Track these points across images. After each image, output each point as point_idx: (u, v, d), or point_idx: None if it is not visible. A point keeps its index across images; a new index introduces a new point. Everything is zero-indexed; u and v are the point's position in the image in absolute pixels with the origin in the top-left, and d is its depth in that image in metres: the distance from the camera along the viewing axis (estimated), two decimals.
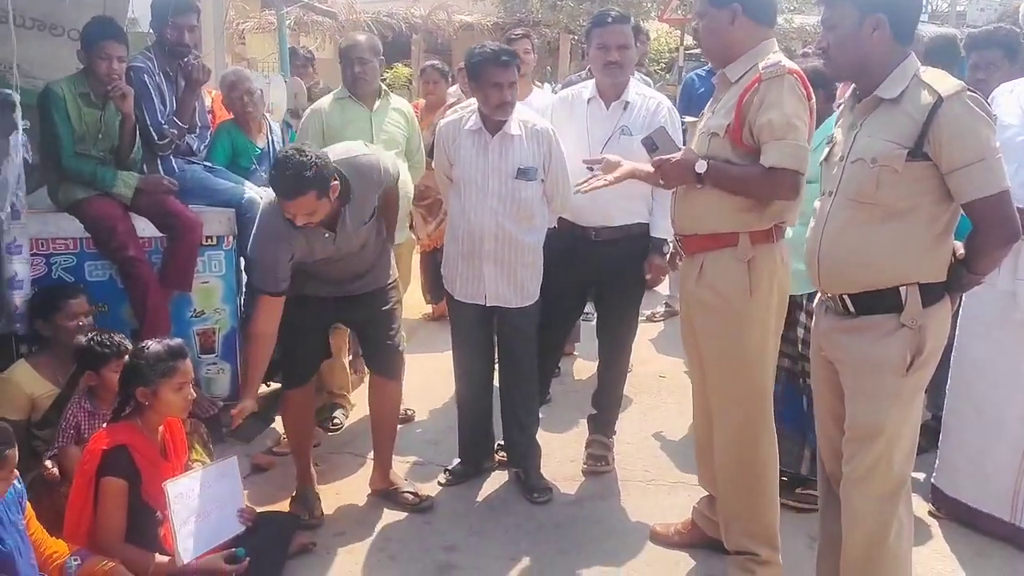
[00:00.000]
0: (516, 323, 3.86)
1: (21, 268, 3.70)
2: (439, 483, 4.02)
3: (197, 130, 4.45)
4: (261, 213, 3.46)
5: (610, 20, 3.78)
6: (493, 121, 3.69)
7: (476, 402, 4.05)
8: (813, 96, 2.95)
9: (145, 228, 4.04)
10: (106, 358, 3.40)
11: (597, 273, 3.95)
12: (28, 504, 2.73)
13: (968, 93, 2.37)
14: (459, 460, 4.11)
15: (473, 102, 3.84)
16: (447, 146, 3.80)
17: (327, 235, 3.43)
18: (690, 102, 5.54)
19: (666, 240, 3.79)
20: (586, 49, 5.21)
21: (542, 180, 3.73)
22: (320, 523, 3.69)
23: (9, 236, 3.66)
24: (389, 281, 3.81)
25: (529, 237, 3.76)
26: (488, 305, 3.83)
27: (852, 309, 2.56)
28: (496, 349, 4.02)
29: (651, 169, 3.14)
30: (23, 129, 3.67)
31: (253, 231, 3.48)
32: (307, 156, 3.16)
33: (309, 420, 3.96)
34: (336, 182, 3.27)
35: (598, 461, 4.12)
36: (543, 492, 3.91)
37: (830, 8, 2.55)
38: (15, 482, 2.63)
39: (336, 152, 3.45)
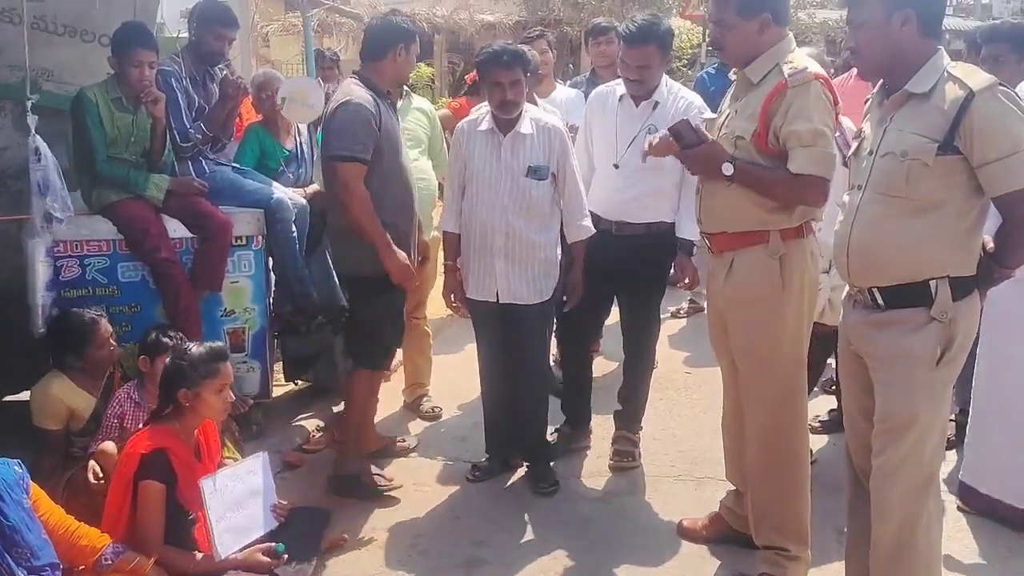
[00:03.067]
0: (529, 319, 3.88)
1: (52, 271, 3.85)
2: (467, 479, 4.06)
3: (224, 144, 4.52)
4: (350, 100, 3.61)
5: (633, 39, 3.72)
6: (504, 120, 3.75)
7: (501, 398, 4.08)
8: (839, 100, 2.96)
9: (176, 229, 4.10)
10: (164, 348, 3.47)
11: (618, 269, 3.96)
12: (35, 486, 2.76)
13: (1000, 87, 2.37)
14: (486, 456, 4.14)
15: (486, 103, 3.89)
16: (462, 147, 3.85)
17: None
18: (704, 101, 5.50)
19: (693, 242, 3.81)
20: (588, 46, 5.21)
21: (554, 175, 3.77)
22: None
23: (48, 240, 3.77)
24: None
25: (540, 236, 3.80)
26: (501, 302, 3.85)
27: (881, 302, 2.56)
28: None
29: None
30: (35, 131, 3.73)
31: (339, 112, 3.63)
32: None
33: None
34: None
35: (625, 457, 4.14)
36: (549, 483, 3.95)
37: (856, 8, 2.55)
38: (15, 467, 2.69)
39: None
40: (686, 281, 4.01)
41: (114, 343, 3.66)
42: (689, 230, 3.77)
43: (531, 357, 3.96)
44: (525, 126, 3.76)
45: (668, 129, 3.12)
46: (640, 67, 3.76)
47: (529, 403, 4.01)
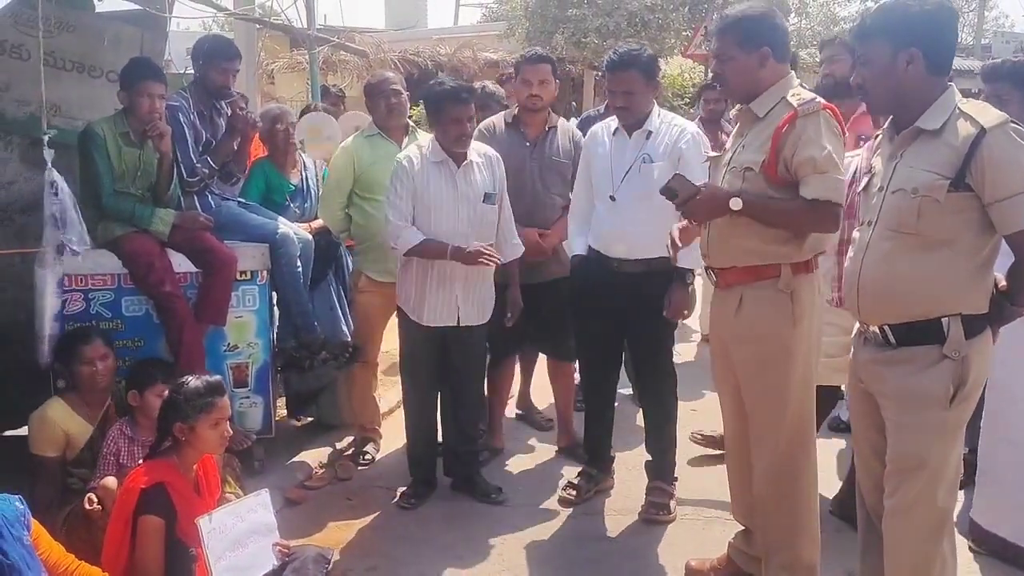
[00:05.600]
0: (471, 341, 4.10)
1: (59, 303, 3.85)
2: (401, 507, 4.13)
3: (238, 177, 4.55)
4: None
5: (614, 65, 3.79)
6: (456, 152, 3.91)
7: (430, 421, 4.27)
8: (846, 130, 2.97)
9: (181, 263, 4.09)
10: (152, 379, 3.47)
11: (623, 307, 3.90)
12: (36, 523, 2.72)
13: (1011, 125, 2.37)
14: (412, 483, 4.23)
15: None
16: (412, 178, 3.90)
17: None
18: None
19: (691, 271, 3.76)
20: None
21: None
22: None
23: (59, 273, 3.76)
24: None
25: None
26: (461, 325, 4.02)
27: (893, 340, 2.54)
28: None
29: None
30: (51, 165, 3.76)
31: None
32: None
33: None
34: None
35: (660, 510, 3.98)
36: (498, 492, 4.16)
37: (863, 45, 2.57)
38: (16, 503, 2.65)
39: None
40: (666, 313, 3.81)
41: (101, 365, 3.62)
42: (688, 258, 3.67)
43: (475, 376, 4.23)
44: (473, 156, 3.97)
45: (660, 191, 3.09)
46: (624, 93, 3.78)
47: (471, 422, 4.22)
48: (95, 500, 3.24)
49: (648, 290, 3.80)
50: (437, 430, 4.32)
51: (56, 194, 3.71)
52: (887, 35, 2.48)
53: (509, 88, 5.25)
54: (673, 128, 3.85)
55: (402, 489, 4.21)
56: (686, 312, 3.90)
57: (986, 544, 3.57)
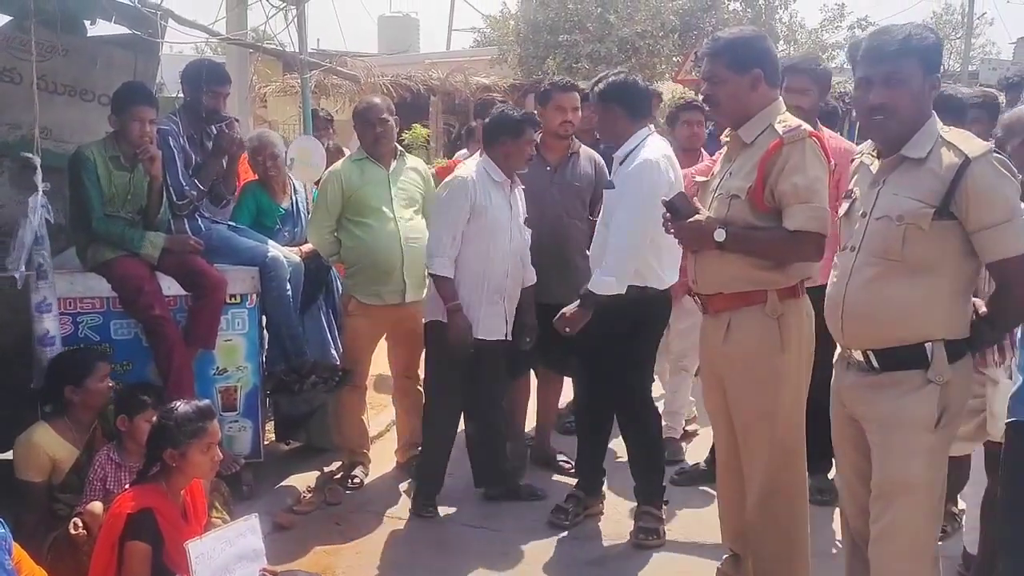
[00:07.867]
0: (504, 353, 4.19)
1: (52, 326, 3.80)
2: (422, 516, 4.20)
3: (228, 200, 4.56)
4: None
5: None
6: (514, 174, 4.11)
7: (450, 437, 4.32)
8: (832, 158, 2.99)
9: (170, 286, 4.09)
10: (142, 405, 3.46)
11: (599, 331, 3.79)
12: (18, 547, 2.70)
13: (994, 154, 2.41)
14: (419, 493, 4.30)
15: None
16: (476, 197, 3.99)
17: None
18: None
19: (594, 295, 3.65)
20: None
21: None
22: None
23: (39, 295, 3.75)
24: None
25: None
26: (508, 338, 4.15)
27: (876, 365, 2.55)
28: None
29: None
30: (43, 191, 3.77)
31: None
32: None
33: None
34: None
35: (649, 535, 3.95)
36: (536, 495, 4.35)
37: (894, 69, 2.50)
38: None
39: None
40: (556, 322, 3.77)
41: (111, 383, 3.67)
42: (599, 283, 3.64)
43: (502, 391, 4.32)
44: (516, 180, 4.15)
45: (663, 203, 3.12)
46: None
47: (502, 432, 4.36)
48: (80, 525, 3.23)
49: (616, 316, 3.73)
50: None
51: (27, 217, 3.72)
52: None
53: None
54: (636, 156, 3.72)
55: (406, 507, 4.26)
56: (568, 329, 3.73)
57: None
